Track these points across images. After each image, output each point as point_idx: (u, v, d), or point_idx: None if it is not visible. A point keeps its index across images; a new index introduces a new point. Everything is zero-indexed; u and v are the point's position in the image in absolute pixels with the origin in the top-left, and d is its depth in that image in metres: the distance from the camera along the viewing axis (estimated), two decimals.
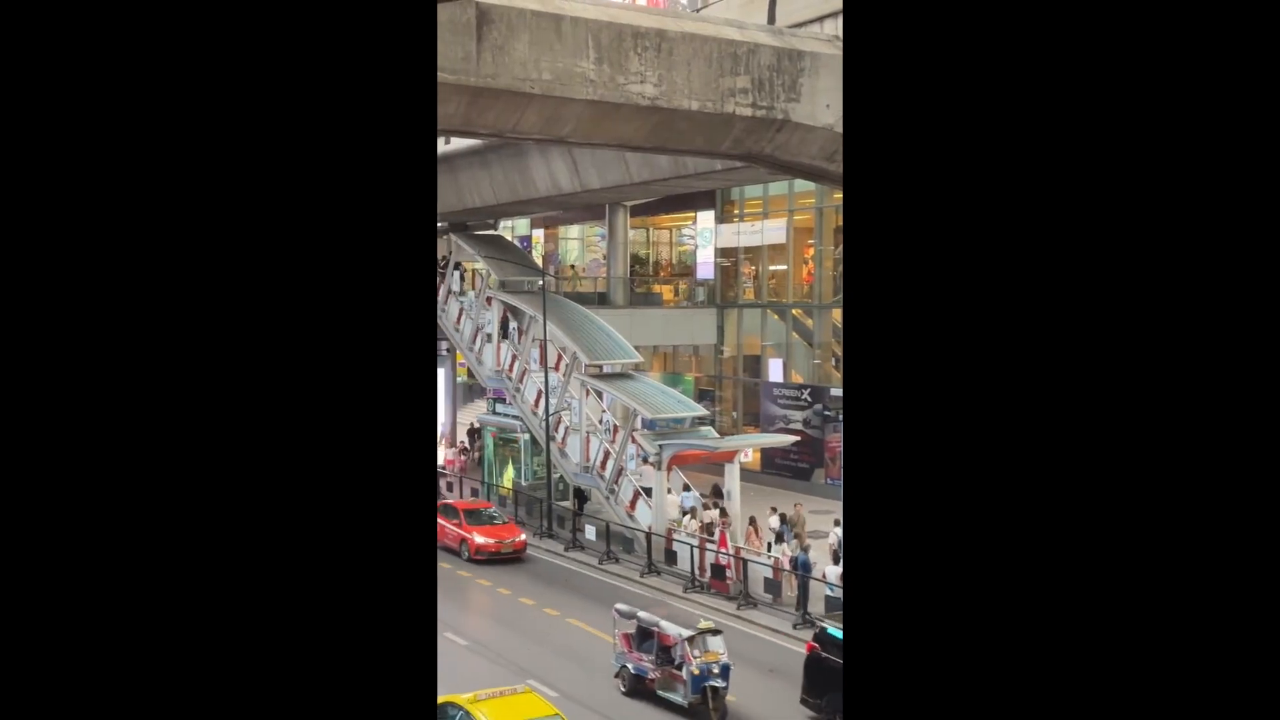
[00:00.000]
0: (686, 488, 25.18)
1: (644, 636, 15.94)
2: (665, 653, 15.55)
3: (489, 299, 30.21)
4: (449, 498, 28.55)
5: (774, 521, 22.48)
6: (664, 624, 15.58)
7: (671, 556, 22.36)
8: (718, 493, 24.81)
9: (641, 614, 16.12)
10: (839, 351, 30.84)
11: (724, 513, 23.35)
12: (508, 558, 23.59)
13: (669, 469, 24.03)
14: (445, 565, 22.65)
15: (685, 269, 37.91)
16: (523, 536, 24.17)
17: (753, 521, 22.49)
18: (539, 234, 43.84)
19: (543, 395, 26.78)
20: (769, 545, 21.69)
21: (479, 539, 23.61)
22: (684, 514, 23.91)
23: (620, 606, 16.69)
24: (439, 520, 23.94)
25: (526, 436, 28.75)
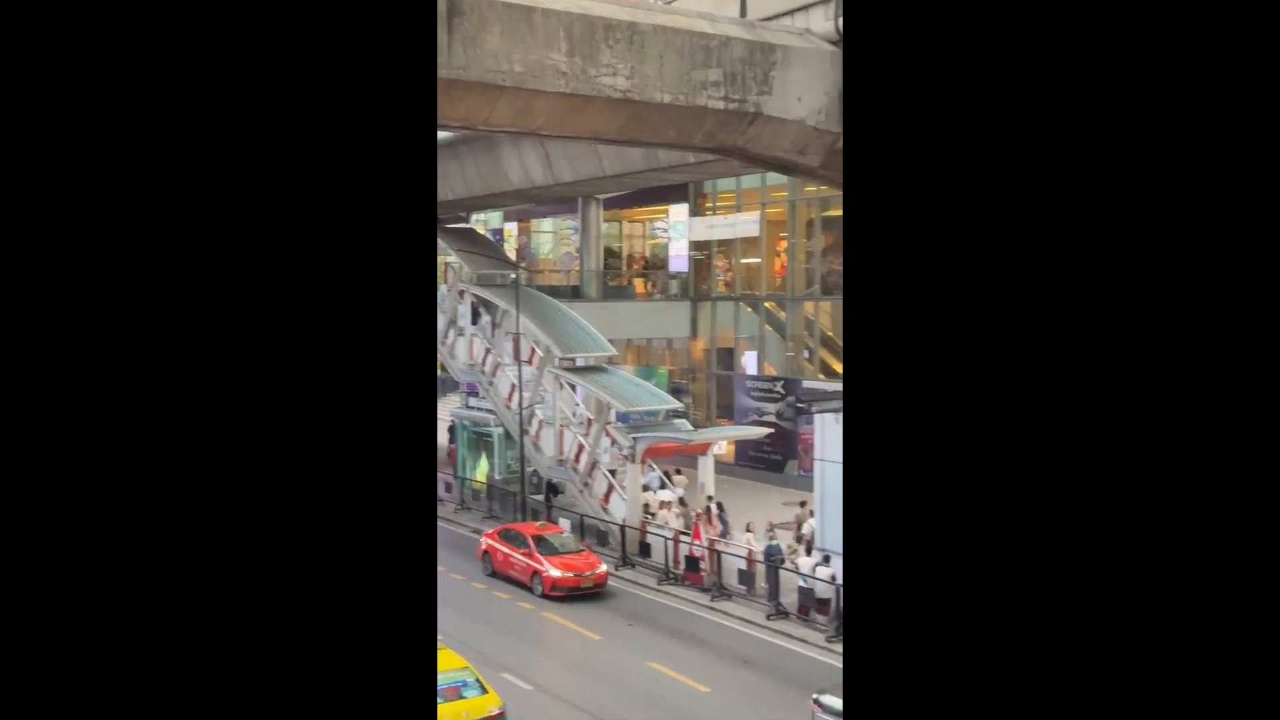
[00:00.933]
0: (651, 467, 25.30)
1: None
2: None
3: (461, 292, 30.13)
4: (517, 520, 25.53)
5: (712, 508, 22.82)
6: None
7: (645, 549, 22.40)
8: (667, 477, 24.96)
9: None
10: (811, 344, 30.96)
11: (682, 501, 23.40)
12: (589, 593, 20.30)
13: (643, 462, 24.05)
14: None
15: (658, 262, 37.92)
16: (604, 568, 20.87)
17: (707, 511, 22.62)
18: (512, 227, 43.75)
19: (516, 389, 26.74)
20: (719, 535, 21.90)
21: (554, 572, 20.29)
22: (649, 492, 24.00)
23: (823, 698, 13.38)
24: (505, 549, 21.54)
25: (500, 430, 28.70)
